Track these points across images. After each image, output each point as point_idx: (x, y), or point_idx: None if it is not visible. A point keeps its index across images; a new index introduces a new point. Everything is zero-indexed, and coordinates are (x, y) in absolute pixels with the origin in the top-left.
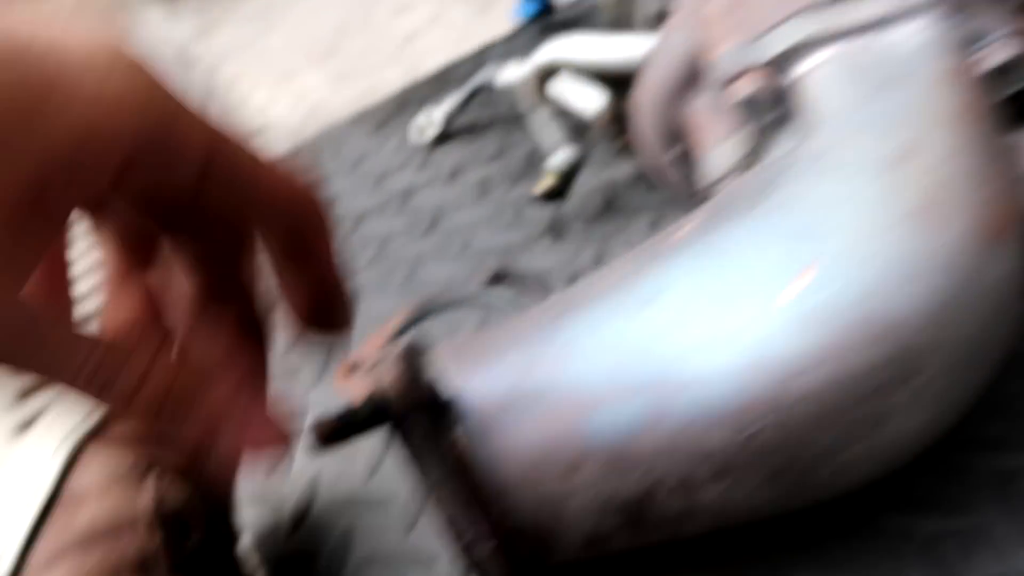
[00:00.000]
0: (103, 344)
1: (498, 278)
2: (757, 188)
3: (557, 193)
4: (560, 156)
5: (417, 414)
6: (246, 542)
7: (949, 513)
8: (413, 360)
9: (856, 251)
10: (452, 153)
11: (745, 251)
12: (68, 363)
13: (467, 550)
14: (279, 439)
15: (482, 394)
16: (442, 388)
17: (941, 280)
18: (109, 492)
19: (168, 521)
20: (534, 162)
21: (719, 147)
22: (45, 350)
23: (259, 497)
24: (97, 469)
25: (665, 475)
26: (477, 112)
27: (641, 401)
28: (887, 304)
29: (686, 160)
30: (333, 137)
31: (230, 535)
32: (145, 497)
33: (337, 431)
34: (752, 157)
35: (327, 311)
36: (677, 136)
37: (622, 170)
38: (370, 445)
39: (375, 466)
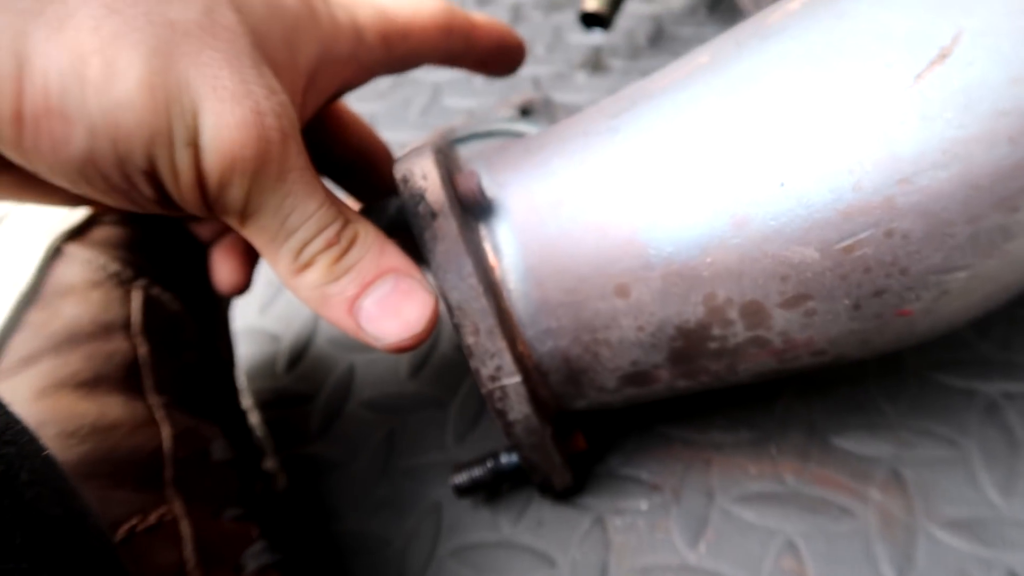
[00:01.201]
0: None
1: (527, 110)
2: None
3: (601, 20)
4: None
5: (449, 211)
6: (239, 377)
7: (1015, 377)
8: (448, 153)
9: (1008, 25)
10: None
11: (864, 25)
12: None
13: (488, 384)
14: (426, 305)
15: (526, 195)
16: (479, 184)
17: None
18: (93, 293)
19: (157, 332)
20: None
21: None
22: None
23: (254, 330)
24: (79, 270)
25: (731, 298)
26: None
27: (719, 204)
28: None
29: None
30: None
31: (229, 360)
32: (133, 303)
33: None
34: None
35: (505, 49)
36: None
37: (675, 0)
38: None
39: None
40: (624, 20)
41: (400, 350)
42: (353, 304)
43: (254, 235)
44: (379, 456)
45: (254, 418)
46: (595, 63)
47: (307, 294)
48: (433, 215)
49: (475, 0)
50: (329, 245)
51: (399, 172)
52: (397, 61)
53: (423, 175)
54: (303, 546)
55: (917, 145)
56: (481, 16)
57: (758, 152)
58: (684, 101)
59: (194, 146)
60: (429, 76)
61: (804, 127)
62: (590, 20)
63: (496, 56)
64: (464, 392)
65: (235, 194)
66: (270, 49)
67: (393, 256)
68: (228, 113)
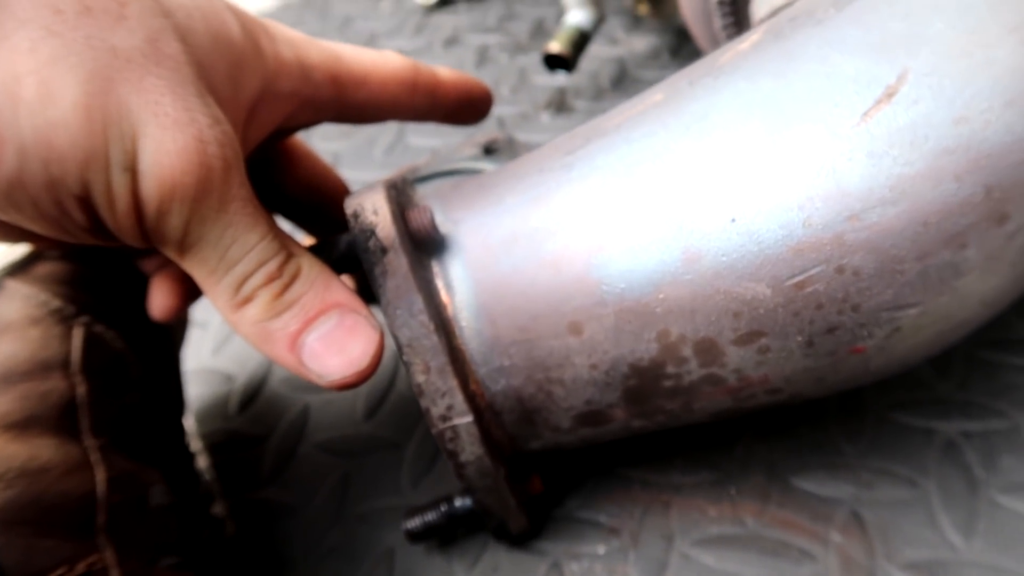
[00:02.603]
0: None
1: (491, 149)
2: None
3: (564, 62)
4: (575, 16)
5: (400, 247)
6: (188, 419)
7: (972, 416)
8: (402, 189)
9: (952, 67)
10: (450, 20)
11: (814, 66)
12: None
13: (438, 424)
14: (371, 342)
15: (480, 232)
16: (432, 219)
17: None
18: (32, 330)
19: (98, 371)
20: (539, 34)
21: None
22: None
23: (207, 370)
24: (19, 305)
25: (684, 335)
26: None
27: (670, 242)
28: (985, 131)
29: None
30: None
31: (177, 401)
32: (74, 341)
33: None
34: None
35: (472, 102)
36: None
37: (639, 43)
38: None
39: None
40: (588, 62)
41: (344, 387)
42: (296, 340)
43: (194, 267)
44: (333, 500)
45: (203, 461)
46: (559, 104)
47: (248, 330)
48: (383, 250)
49: (442, 43)
50: (271, 279)
51: (350, 207)
52: (353, 108)
53: (374, 210)
54: None
55: (865, 182)
56: (447, 71)
57: (709, 188)
58: (637, 138)
59: (132, 171)
60: None
61: (754, 164)
62: (554, 62)
63: (463, 109)
64: (420, 434)
65: (174, 223)
66: (214, 80)
67: (338, 291)
68: (170, 140)
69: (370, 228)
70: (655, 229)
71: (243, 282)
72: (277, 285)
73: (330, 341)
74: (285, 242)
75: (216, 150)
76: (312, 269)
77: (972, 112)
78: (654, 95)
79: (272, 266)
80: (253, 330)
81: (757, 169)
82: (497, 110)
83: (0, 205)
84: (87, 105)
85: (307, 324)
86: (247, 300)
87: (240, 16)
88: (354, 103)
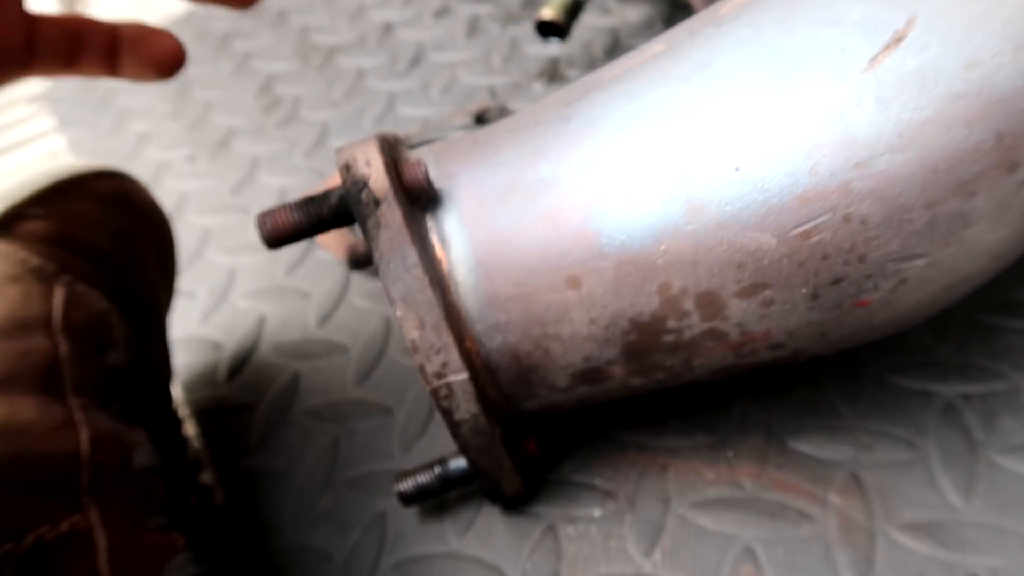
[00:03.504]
0: None
1: (483, 118)
2: None
3: (557, 29)
4: None
5: (393, 199)
6: (175, 387)
7: (972, 379)
8: (395, 144)
9: (962, 10)
10: None
11: (819, 12)
12: None
13: (433, 381)
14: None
15: (475, 186)
16: (426, 173)
17: None
18: (11, 288)
19: (81, 331)
20: (530, 5)
21: None
22: None
23: (195, 339)
24: None
25: (686, 288)
26: None
27: (671, 191)
28: (996, 75)
29: None
30: None
31: (164, 365)
32: (55, 300)
33: (304, 224)
34: None
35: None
36: None
37: (632, 12)
38: (323, 288)
39: (329, 312)
40: (580, 32)
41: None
42: None
43: None
44: (322, 466)
45: (191, 429)
46: (552, 74)
47: None
48: (376, 202)
49: (432, 13)
50: None
51: (341, 159)
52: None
53: (366, 161)
54: (240, 562)
55: (873, 128)
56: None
57: (713, 137)
58: (638, 88)
59: None
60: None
61: (760, 111)
62: (546, 29)
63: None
64: (412, 399)
65: None
66: None
67: None
68: None
69: (363, 180)
70: (657, 179)
71: None
72: None
73: None
74: None
75: None
76: None
77: (983, 56)
78: (654, 46)
79: None
80: None
81: (762, 117)
82: (489, 79)
83: None
84: None
85: None
86: None
87: None
88: None
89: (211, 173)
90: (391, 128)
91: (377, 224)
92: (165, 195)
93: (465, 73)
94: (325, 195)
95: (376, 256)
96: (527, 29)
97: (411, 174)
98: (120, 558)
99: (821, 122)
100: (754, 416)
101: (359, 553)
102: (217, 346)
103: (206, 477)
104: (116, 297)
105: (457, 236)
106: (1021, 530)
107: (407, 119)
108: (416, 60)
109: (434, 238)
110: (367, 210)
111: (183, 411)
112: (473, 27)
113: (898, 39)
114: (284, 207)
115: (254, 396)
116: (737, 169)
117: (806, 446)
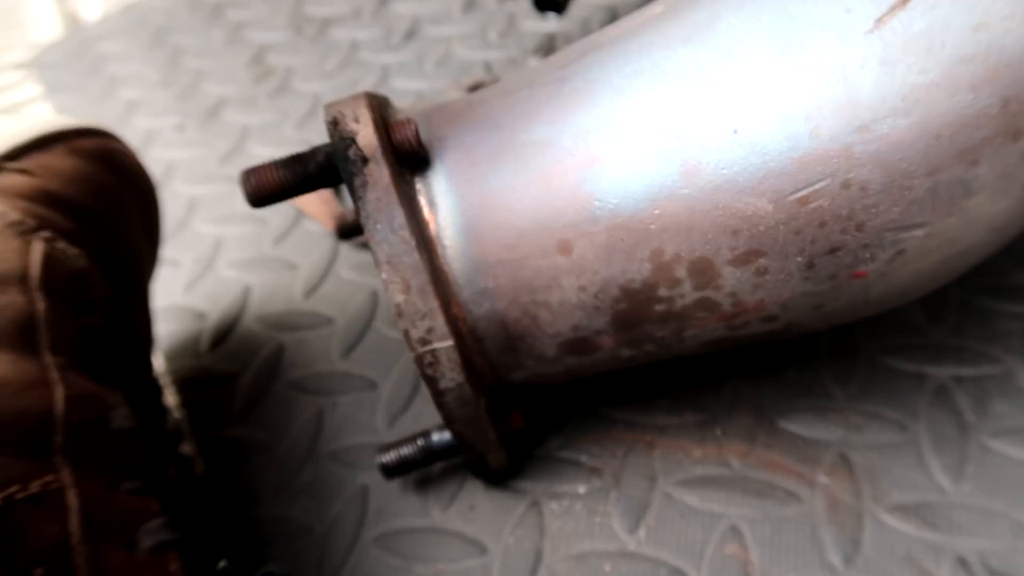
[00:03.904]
0: None
1: (477, 88)
2: None
3: (555, 4)
4: None
5: (382, 157)
6: (158, 356)
7: (965, 361)
8: (384, 102)
9: None
10: None
11: None
12: None
13: (418, 348)
14: None
15: (466, 147)
16: (416, 132)
17: None
18: None
19: (59, 288)
20: None
21: None
22: None
23: (178, 307)
24: None
25: (679, 254)
26: None
27: (667, 154)
28: (1005, 38)
29: None
30: None
31: (145, 329)
32: (32, 256)
33: (289, 182)
34: None
35: None
36: None
37: None
38: (310, 260)
39: (314, 284)
40: (578, 8)
41: None
42: None
43: None
44: (304, 439)
45: (172, 399)
46: (548, 50)
47: None
48: (364, 160)
49: None
50: None
51: (329, 114)
52: None
53: (355, 118)
54: (219, 532)
55: (877, 91)
56: None
57: (712, 98)
58: (636, 49)
59: None
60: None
61: (761, 73)
62: (544, 4)
63: None
64: (398, 373)
65: None
66: None
67: None
68: None
69: (350, 136)
70: (652, 141)
71: None
72: None
73: None
74: None
75: None
76: None
77: (992, 19)
78: (654, 7)
79: None
80: None
81: (763, 78)
82: (485, 54)
83: None
84: None
85: None
86: None
87: None
88: None
89: (200, 142)
90: None
91: (364, 183)
92: (153, 163)
93: (461, 47)
94: (312, 152)
95: (362, 216)
96: (524, 4)
97: (401, 133)
98: (92, 520)
99: (823, 84)
100: (744, 395)
101: (339, 526)
102: (201, 315)
103: (186, 447)
104: (97, 257)
105: (446, 198)
106: (1010, 513)
107: (401, 92)
108: (411, 33)
109: (422, 200)
110: (355, 167)
111: (165, 380)
112: (470, 1)
113: None
114: (269, 164)
115: (237, 366)
116: (735, 131)
117: (796, 426)
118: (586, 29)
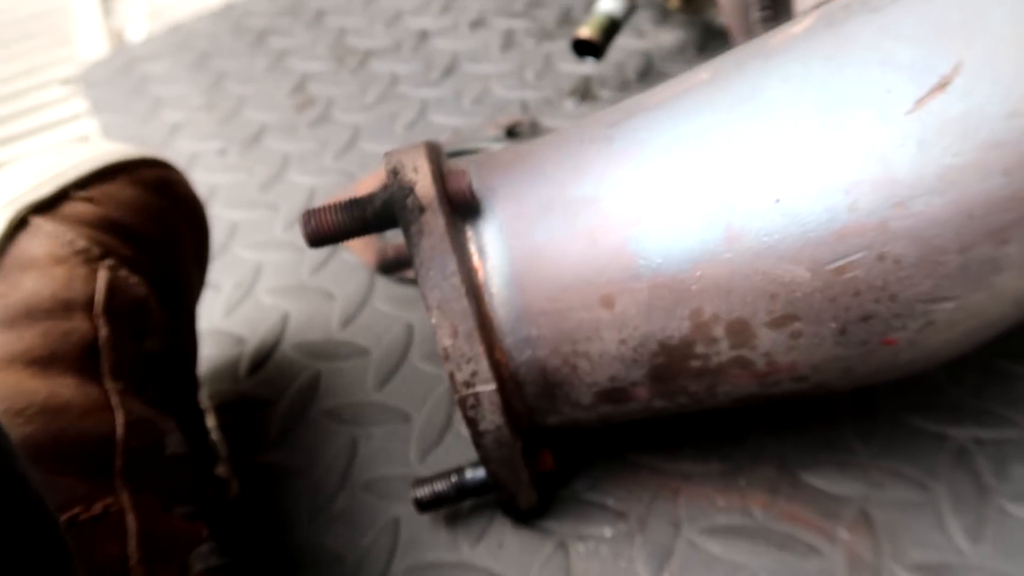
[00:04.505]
0: None
1: (514, 131)
2: None
3: (594, 48)
4: (607, 3)
5: (438, 207)
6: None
7: (985, 423)
8: (438, 152)
9: (1008, 59)
10: (476, 2)
11: (868, 52)
12: None
13: (461, 390)
14: None
15: (515, 199)
16: (470, 183)
17: None
18: (56, 268)
19: (121, 315)
20: (566, 22)
21: None
22: None
23: (218, 331)
24: (45, 243)
25: (718, 314)
26: None
27: (711, 218)
28: None
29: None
30: None
31: (192, 355)
32: (98, 283)
33: (347, 226)
34: None
35: None
36: None
37: (667, 37)
38: (347, 290)
39: (352, 314)
40: (615, 53)
41: None
42: None
43: None
44: (338, 467)
45: (210, 421)
46: (584, 92)
47: None
48: (421, 209)
49: (468, 24)
50: None
51: (390, 163)
52: None
53: (414, 168)
54: (253, 556)
55: (914, 170)
56: None
57: (755, 167)
58: (683, 114)
59: None
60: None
61: (803, 146)
62: (583, 48)
63: None
64: (431, 407)
65: None
66: None
67: None
68: None
69: (409, 186)
70: (697, 205)
71: None
72: None
73: None
74: None
75: None
76: None
77: None
78: (700, 74)
79: None
80: None
81: (805, 151)
82: (521, 94)
83: None
84: None
85: None
86: None
87: None
88: None
89: (241, 167)
90: (422, 135)
91: (420, 231)
92: (195, 186)
93: (498, 85)
94: (370, 198)
95: (416, 262)
96: (562, 46)
97: (455, 184)
98: (149, 543)
99: (863, 160)
100: (768, 447)
101: (371, 556)
102: (240, 340)
103: (221, 469)
104: (155, 284)
105: (495, 247)
106: None
107: (438, 127)
108: (450, 69)
109: (472, 247)
110: (411, 216)
111: (205, 403)
112: (508, 40)
113: (944, 84)
114: (329, 207)
115: (274, 392)
116: (777, 201)
117: (818, 480)
118: (621, 73)
